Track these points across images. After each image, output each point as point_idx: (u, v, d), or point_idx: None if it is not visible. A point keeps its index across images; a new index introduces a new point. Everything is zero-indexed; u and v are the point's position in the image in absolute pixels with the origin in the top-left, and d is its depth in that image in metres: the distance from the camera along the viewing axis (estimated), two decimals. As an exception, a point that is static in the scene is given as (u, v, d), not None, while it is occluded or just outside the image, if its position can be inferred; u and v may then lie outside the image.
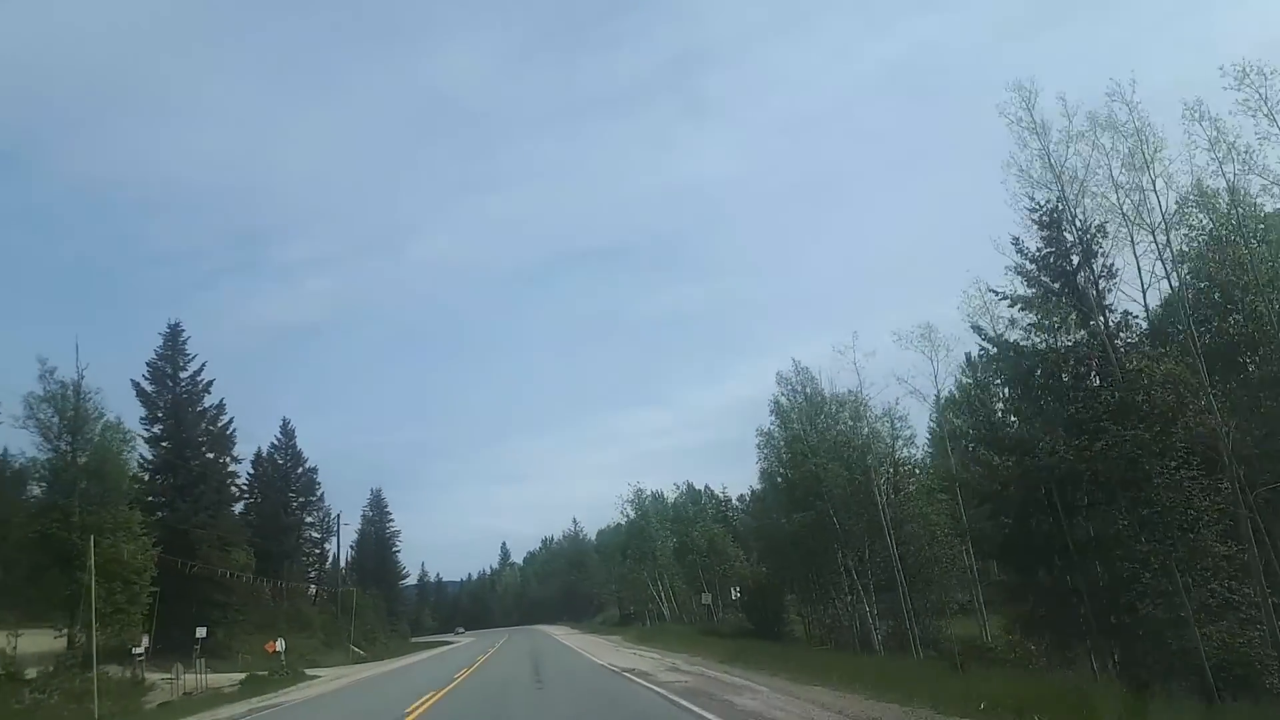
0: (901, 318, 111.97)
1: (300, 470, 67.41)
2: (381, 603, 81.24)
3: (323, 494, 70.88)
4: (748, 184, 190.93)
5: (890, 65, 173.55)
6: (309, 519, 70.16)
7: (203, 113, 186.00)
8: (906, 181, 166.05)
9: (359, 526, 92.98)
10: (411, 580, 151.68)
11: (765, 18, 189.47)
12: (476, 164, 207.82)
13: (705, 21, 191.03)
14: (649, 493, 67.81)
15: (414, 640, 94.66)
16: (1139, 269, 17.78)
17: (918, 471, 35.18)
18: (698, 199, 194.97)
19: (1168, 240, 17.21)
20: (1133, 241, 17.59)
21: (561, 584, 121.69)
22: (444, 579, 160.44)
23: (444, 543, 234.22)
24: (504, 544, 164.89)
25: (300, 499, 67.53)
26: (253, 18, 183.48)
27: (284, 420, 68.31)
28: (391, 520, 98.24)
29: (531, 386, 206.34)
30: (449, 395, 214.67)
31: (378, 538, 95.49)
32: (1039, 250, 20.36)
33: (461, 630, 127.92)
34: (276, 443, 66.47)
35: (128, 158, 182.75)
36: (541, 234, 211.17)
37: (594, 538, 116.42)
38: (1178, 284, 17.70)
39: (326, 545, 78.21)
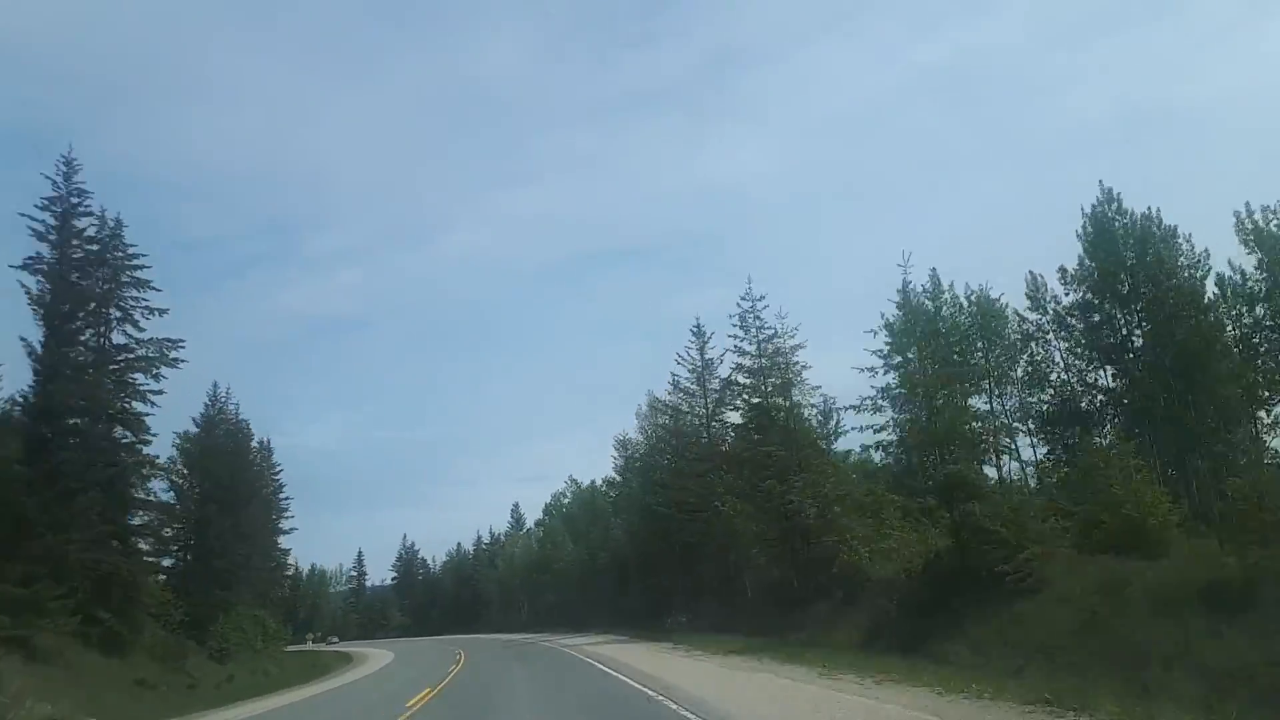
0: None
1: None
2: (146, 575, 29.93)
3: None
4: (783, 185, 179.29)
5: (932, 69, 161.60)
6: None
7: (234, 97, 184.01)
8: (947, 186, 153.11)
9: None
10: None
11: (805, 17, 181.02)
12: (508, 157, 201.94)
13: (744, 19, 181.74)
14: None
15: (291, 649, 52.93)
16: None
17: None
18: (731, 199, 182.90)
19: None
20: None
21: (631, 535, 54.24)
22: (433, 568, 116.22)
23: (459, 539, 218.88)
24: (515, 505, 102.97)
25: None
26: (286, 1, 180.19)
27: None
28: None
29: (557, 385, 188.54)
30: (471, 392, 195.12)
31: (207, 423, 44.90)
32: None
33: (335, 640, 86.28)
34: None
35: (159, 141, 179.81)
36: (572, 231, 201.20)
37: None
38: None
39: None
